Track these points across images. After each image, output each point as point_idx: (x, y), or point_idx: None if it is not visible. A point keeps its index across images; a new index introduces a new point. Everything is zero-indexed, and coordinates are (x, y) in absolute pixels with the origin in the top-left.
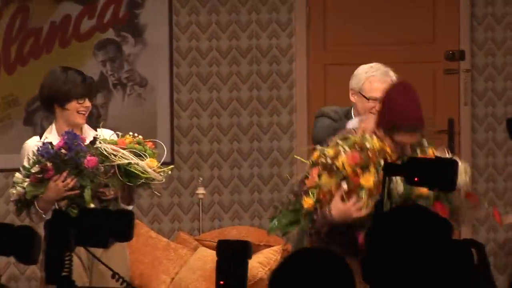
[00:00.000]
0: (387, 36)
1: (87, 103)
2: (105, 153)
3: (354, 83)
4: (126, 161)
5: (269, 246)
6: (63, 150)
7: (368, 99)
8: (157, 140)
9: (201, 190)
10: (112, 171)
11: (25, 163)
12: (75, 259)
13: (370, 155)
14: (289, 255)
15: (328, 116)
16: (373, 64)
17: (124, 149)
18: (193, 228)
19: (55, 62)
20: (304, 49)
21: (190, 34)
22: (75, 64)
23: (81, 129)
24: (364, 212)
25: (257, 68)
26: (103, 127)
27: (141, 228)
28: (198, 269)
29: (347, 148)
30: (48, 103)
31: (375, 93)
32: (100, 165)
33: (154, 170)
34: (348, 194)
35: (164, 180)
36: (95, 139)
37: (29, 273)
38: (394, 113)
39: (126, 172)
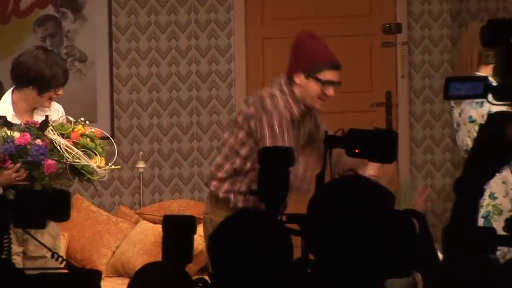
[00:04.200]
0: (324, 10)
1: (61, 91)
2: (59, 149)
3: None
4: (80, 164)
5: None
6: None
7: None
8: (105, 133)
9: (141, 164)
10: (62, 168)
11: None
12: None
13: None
14: (227, 218)
15: None
16: None
17: (77, 144)
18: (134, 202)
19: None
20: (242, 23)
21: (129, 9)
22: (15, 41)
23: None
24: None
25: (196, 42)
26: None
27: (82, 202)
28: (139, 242)
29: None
30: (23, 83)
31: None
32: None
33: (100, 168)
34: None
35: (106, 177)
36: (47, 119)
37: None
38: (312, 53)
39: (75, 170)
